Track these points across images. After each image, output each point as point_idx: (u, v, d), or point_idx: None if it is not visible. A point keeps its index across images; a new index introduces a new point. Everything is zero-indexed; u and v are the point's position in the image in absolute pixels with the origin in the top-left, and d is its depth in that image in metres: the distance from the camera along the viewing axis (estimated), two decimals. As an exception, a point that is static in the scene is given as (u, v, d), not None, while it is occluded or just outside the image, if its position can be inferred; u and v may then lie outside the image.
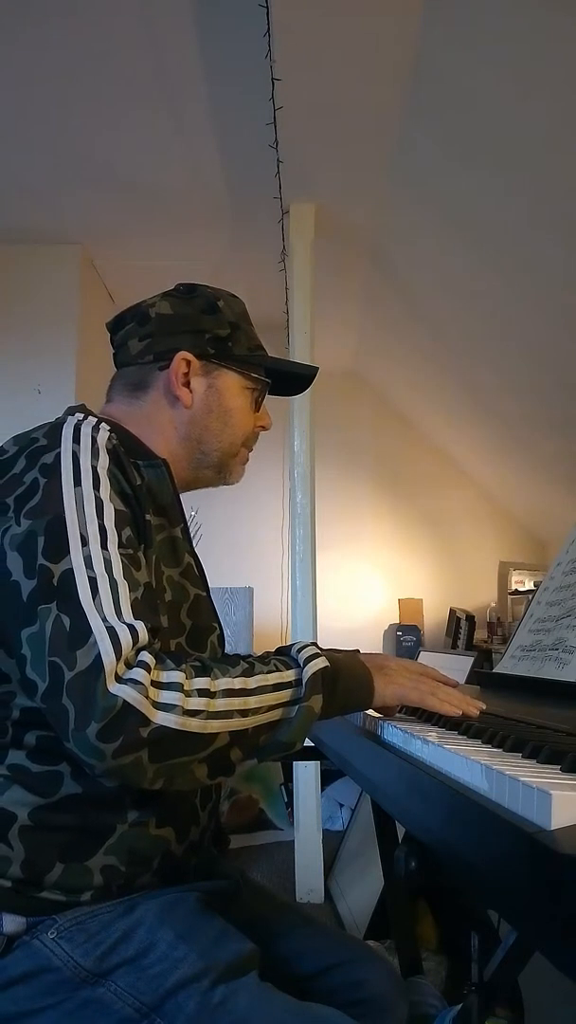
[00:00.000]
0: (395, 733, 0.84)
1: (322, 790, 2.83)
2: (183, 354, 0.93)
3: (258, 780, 3.22)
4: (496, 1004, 1.23)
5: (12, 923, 0.73)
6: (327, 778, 3.03)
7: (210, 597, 0.93)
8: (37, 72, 2.29)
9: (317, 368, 1.07)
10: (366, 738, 0.90)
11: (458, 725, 0.83)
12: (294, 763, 2.74)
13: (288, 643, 0.84)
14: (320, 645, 0.82)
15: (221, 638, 0.95)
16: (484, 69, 1.96)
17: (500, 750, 0.70)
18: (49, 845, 0.74)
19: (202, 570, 0.93)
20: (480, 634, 4.05)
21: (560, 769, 0.60)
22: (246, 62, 2.15)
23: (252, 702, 0.71)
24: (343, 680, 0.78)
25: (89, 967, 0.71)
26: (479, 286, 2.82)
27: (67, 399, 3.13)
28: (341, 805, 3.19)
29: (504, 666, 1.27)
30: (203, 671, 0.71)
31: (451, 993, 1.63)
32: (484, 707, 0.87)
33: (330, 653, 0.80)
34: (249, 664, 0.75)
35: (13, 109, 2.45)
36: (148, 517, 0.83)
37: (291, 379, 1.06)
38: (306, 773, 2.64)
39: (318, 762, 2.56)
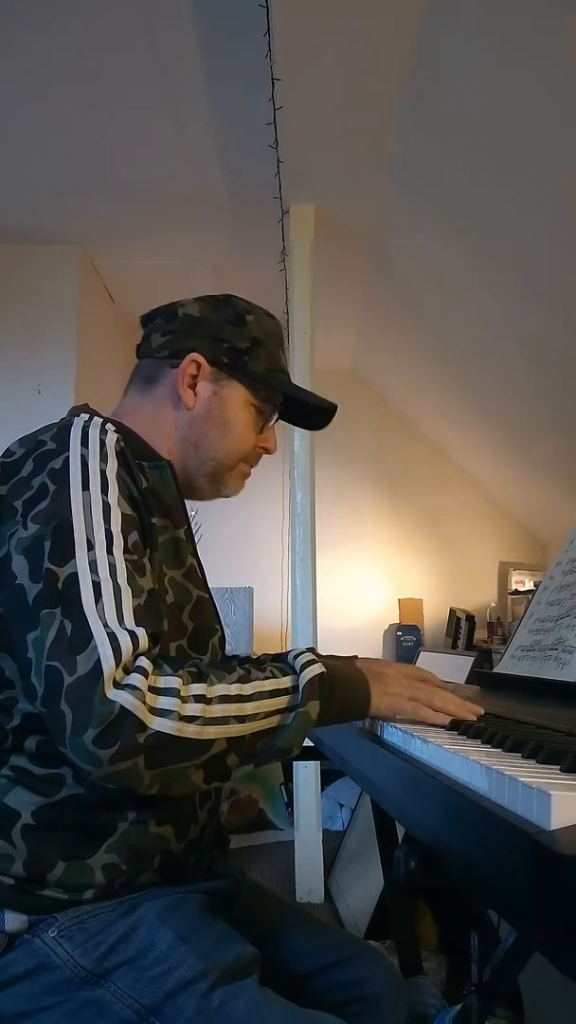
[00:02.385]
0: (395, 733, 0.84)
1: (322, 790, 2.83)
2: (194, 355, 0.93)
3: (258, 780, 3.22)
4: (496, 1004, 1.24)
5: (14, 921, 0.74)
6: (327, 778, 3.03)
7: (212, 599, 0.93)
8: (37, 72, 2.29)
9: (336, 406, 1.05)
10: (366, 738, 0.90)
11: (458, 725, 0.83)
12: (294, 763, 2.74)
13: (284, 651, 0.84)
14: (317, 652, 0.82)
15: (222, 640, 0.95)
16: (484, 69, 1.96)
17: (500, 750, 0.70)
18: (51, 843, 0.74)
19: (203, 572, 0.93)
20: (480, 634, 4.05)
21: (560, 769, 0.60)
22: (246, 62, 2.16)
23: (249, 708, 0.71)
24: (340, 687, 0.78)
25: (89, 967, 0.71)
26: (479, 286, 2.82)
27: (67, 399, 3.13)
28: (341, 805, 3.19)
29: (504, 666, 1.27)
30: (200, 677, 0.71)
31: (451, 993, 1.63)
32: (482, 711, 0.87)
33: (327, 660, 0.80)
34: (246, 670, 0.75)
35: (13, 109, 2.45)
36: (153, 519, 0.83)
37: (309, 412, 1.04)
38: (306, 773, 2.64)
39: (318, 762, 2.56)
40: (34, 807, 0.75)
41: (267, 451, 1.01)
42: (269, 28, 1.98)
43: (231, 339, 0.95)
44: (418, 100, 2.23)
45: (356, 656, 0.86)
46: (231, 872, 0.93)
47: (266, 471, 4.27)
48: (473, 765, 0.60)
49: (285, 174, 2.64)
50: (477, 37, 1.89)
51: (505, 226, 2.41)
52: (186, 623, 0.87)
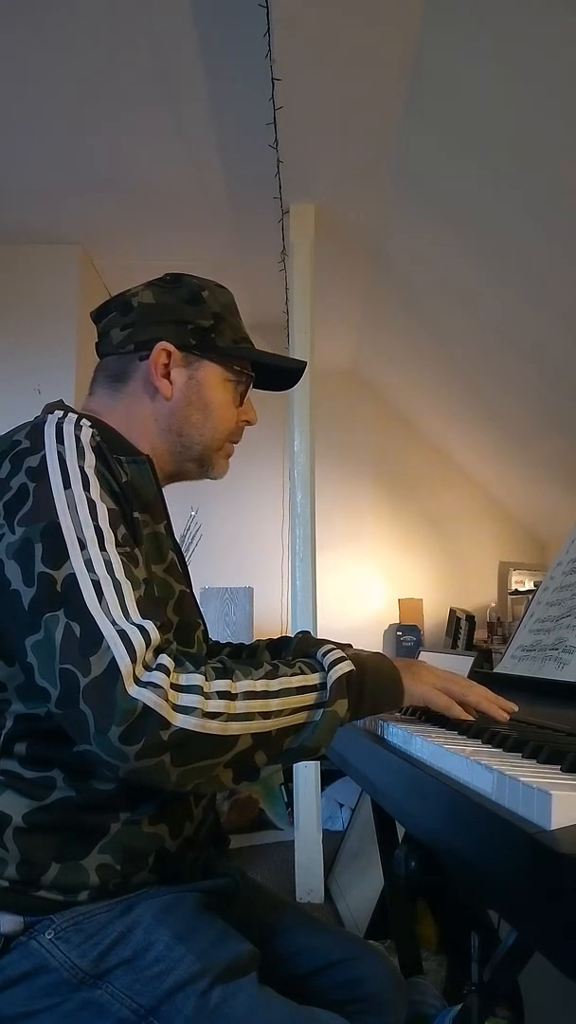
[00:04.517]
0: (395, 733, 0.84)
1: (322, 790, 2.83)
2: (163, 344, 0.91)
3: (258, 780, 3.22)
4: (496, 1004, 1.23)
5: (10, 923, 0.73)
6: (327, 778, 3.03)
7: (193, 593, 0.93)
8: (37, 72, 2.29)
9: (305, 362, 1.04)
10: (366, 738, 0.90)
11: (458, 725, 0.83)
12: (293, 763, 2.74)
13: (318, 638, 0.84)
14: (348, 646, 0.83)
15: (205, 633, 0.95)
16: (484, 69, 1.96)
17: (500, 750, 0.70)
18: (44, 846, 0.74)
19: (185, 566, 0.92)
20: (480, 634, 4.05)
21: (560, 769, 0.60)
22: (246, 62, 2.15)
23: (274, 704, 0.72)
24: (370, 682, 0.79)
25: (86, 968, 0.71)
26: (479, 286, 2.82)
27: (67, 399, 3.10)
28: (341, 805, 3.19)
29: (504, 666, 1.27)
30: (224, 673, 0.71)
31: (451, 993, 1.63)
32: (515, 708, 0.88)
33: (356, 655, 0.80)
34: (273, 666, 0.75)
35: (13, 109, 2.45)
36: (135, 514, 0.82)
37: (279, 373, 1.03)
38: (306, 773, 2.64)
39: (318, 762, 2.55)
40: (25, 810, 0.74)
41: (249, 423, 1.00)
42: (269, 28, 1.97)
43: (194, 319, 0.93)
44: (418, 100, 2.22)
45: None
46: (230, 871, 0.93)
47: (266, 471, 4.27)
48: (474, 765, 0.60)
49: (285, 174, 2.64)
50: (477, 37, 1.89)
51: (505, 226, 2.41)
52: (171, 617, 0.87)
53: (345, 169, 2.64)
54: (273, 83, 2.17)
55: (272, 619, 4.07)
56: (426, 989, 1.39)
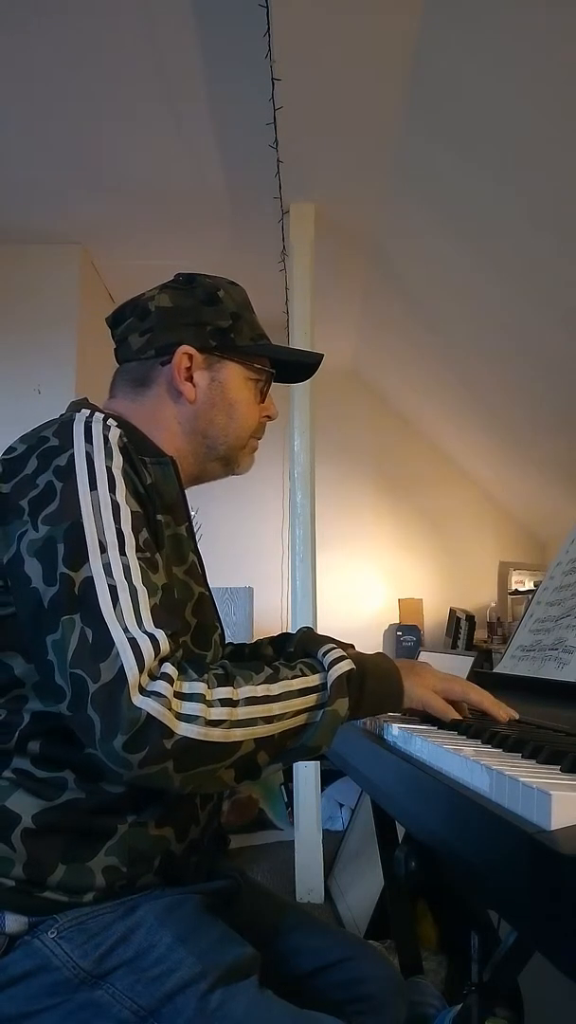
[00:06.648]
0: (395, 733, 0.84)
1: (322, 790, 2.83)
2: (185, 348, 0.91)
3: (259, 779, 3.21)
4: (496, 1004, 1.23)
5: (15, 923, 0.73)
6: (327, 778, 3.03)
7: (211, 596, 0.93)
8: (37, 72, 2.29)
9: (322, 355, 1.04)
10: (366, 738, 0.91)
11: (458, 725, 0.83)
12: (294, 763, 2.74)
13: (320, 635, 0.84)
14: (349, 645, 0.83)
15: (222, 636, 0.95)
16: (484, 68, 1.96)
17: (500, 750, 0.70)
18: (51, 847, 0.74)
19: (204, 568, 0.93)
20: (480, 634, 4.05)
21: (560, 769, 0.60)
22: (246, 62, 2.15)
23: (276, 708, 0.72)
24: (370, 682, 0.79)
25: (88, 968, 0.71)
26: (479, 286, 2.82)
27: (67, 399, 3.09)
28: (341, 805, 3.19)
29: (504, 666, 1.27)
30: (226, 679, 0.71)
31: (451, 993, 1.63)
32: (516, 716, 0.88)
33: (358, 655, 0.81)
34: (274, 669, 0.75)
35: (13, 109, 2.45)
36: (158, 516, 0.83)
37: (296, 366, 1.03)
38: (306, 773, 2.64)
39: (318, 762, 2.55)
40: (35, 811, 0.74)
41: (271, 418, 1.01)
42: (269, 28, 1.98)
43: (212, 320, 0.93)
44: (418, 100, 2.22)
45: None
46: (231, 872, 0.93)
47: (266, 472, 4.24)
48: (474, 765, 0.60)
49: (285, 174, 2.64)
50: (477, 36, 1.89)
51: (505, 225, 2.41)
52: (189, 620, 0.87)
53: (345, 169, 2.64)
54: (273, 83, 2.17)
55: (272, 619, 4.07)
56: (426, 989, 1.38)
